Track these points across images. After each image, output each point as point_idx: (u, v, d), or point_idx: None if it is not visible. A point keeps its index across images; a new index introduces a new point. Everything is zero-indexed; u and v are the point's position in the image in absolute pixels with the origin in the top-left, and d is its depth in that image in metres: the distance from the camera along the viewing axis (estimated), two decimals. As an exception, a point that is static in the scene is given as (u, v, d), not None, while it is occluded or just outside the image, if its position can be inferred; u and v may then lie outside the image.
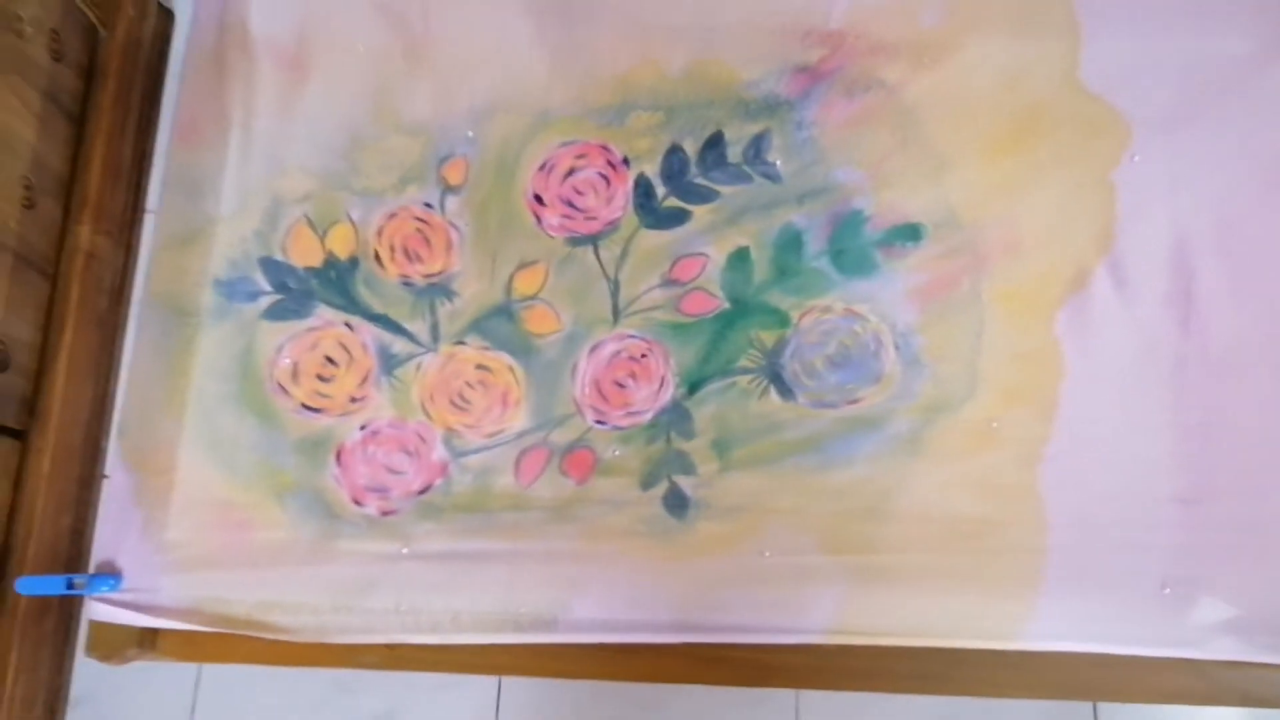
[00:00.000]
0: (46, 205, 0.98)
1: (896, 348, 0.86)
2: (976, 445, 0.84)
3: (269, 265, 0.86)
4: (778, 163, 0.90)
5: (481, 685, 0.91)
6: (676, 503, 0.82)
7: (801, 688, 0.77)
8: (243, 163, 0.87)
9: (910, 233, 0.88)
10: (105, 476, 0.99)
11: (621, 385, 0.85)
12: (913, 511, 0.82)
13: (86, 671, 0.93)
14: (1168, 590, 0.79)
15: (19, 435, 0.93)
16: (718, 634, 0.78)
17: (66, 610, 0.96)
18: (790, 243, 0.88)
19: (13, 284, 0.92)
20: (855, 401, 0.85)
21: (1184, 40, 0.91)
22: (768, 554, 0.80)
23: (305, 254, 0.86)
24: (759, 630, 0.78)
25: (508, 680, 0.91)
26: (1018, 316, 0.87)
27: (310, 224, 0.87)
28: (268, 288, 0.85)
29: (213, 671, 0.92)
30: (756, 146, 0.90)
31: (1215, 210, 0.88)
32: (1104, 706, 0.96)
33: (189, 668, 0.93)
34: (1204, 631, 0.79)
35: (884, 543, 0.81)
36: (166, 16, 1.12)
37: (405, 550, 0.79)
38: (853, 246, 0.88)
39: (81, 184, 1.02)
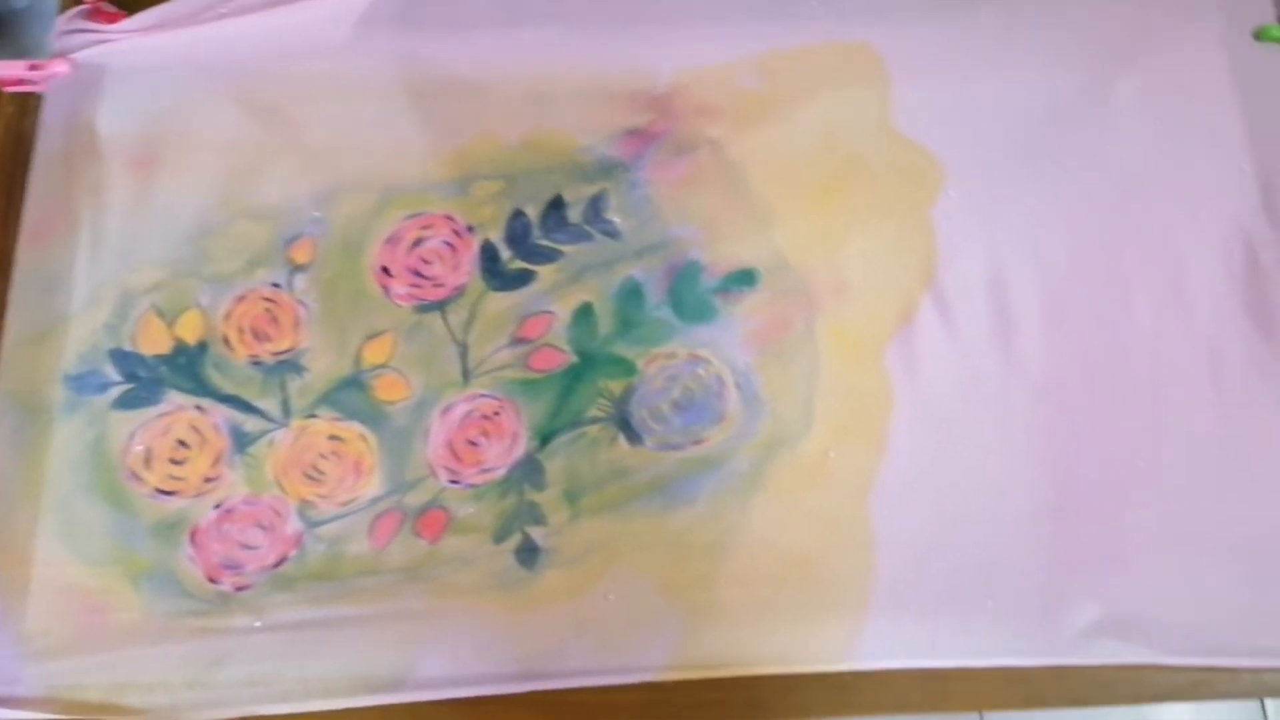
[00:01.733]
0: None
1: (738, 387, 0.90)
2: (812, 478, 0.88)
3: (118, 356, 0.89)
4: (617, 220, 0.94)
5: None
6: (527, 553, 0.85)
7: (640, 725, 0.80)
8: (93, 260, 0.90)
9: (745, 278, 0.93)
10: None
11: (474, 444, 0.89)
12: (751, 546, 0.86)
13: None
14: (990, 602, 0.83)
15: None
16: (561, 679, 0.81)
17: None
18: (631, 295, 0.93)
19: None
20: (700, 442, 0.89)
21: (988, 84, 0.97)
22: (611, 597, 0.83)
23: (154, 343, 0.89)
24: (600, 673, 0.81)
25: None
26: (850, 353, 0.91)
27: (159, 313, 0.90)
28: (118, 378, 0.88)
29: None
30: (595, 207, 0.95)
31: (1027, 243, 0.93)
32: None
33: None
34: (1027, 640, 0.83)
35: (722, 579, 0.84)
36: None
37: (258, 623, 0.82)
38: (691, 295, 0.93)
39: (-38, 277, 1.05)
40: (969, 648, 0.82)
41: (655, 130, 0.96)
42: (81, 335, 0.88)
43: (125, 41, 0.94)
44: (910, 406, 0.90)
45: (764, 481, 0.88)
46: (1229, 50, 0.99)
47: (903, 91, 0.96)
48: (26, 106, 1.12)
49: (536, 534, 0.86)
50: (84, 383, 0.88)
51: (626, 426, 0.90)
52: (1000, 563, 0.85)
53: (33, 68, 0.93)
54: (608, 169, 0.95)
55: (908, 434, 0.89)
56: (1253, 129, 0.97)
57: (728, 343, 0.91)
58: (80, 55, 0.94)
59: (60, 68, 0.93)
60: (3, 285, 1.04)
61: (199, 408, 0.88)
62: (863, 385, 0.91)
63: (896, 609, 0.83)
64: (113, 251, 0.90)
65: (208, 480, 0.86)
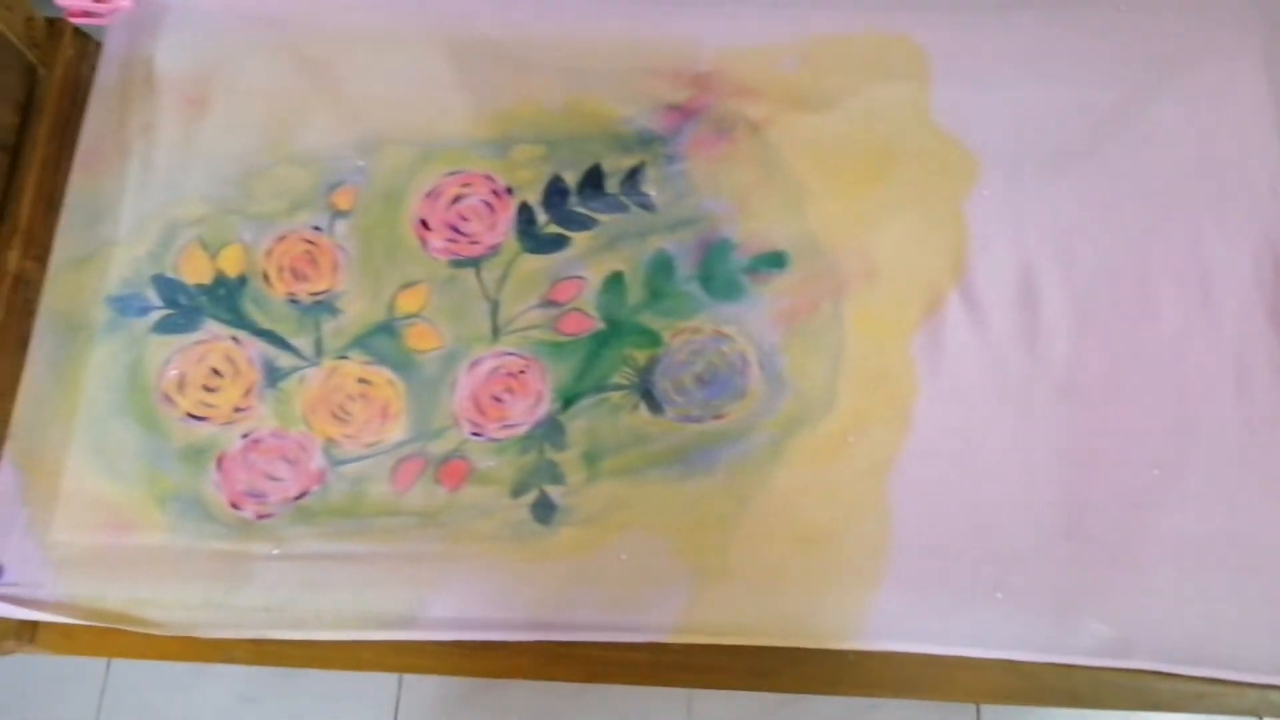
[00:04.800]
0: (-22, 232, 1.04)
1: (761, 366, 0.91)
2: (831, 457, 0.89)
3: (160, 282, 0.91)
4: (652, 193, 0.96)
5: (380, 697, 0.95)
6: (544, 510, 0.87)
7: (643, 684, 0.81)
8: (141, 190, 0.93)
9: (776, 260, 0.94)
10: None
11: (499, 399, 0.90)
12: (766, 519, 0.86)
13: (-5, 678, 0.98)
14: (999, 595, 0.84)
15: (-65, 445, 0.98)
16: (567, 632, 0.82)
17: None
18: (662, 267, 0.94)
19: (-59, 303, 0.97)
20: (720, 417, 0.90)
21: (1027, 85, 0.98)
22: (624, 556, 0.84)
23: (196, 272, 0.91)
24: (606, 629, 0.82)
25: (406, 692, 0.95)
26: (876, 339, 0.92)
27: (202, 245, 0.92)
28: (158, 303, 0.90)
29: (117, 681, 0.96)
30: (632, 178, 0.96)
31: (1057, 245, 0.94)
32: (986, 707, 0.99)
33: (96, 677, 0.97)
34: (1034, 635, 0.83)
35: (735, 547, 0.85)
36: (104, 55, 1.18)
37: (276, 551, 0.84)
38: (721, 272, 0.94)
39: (13, 213, 1.08)
40: (975, 637, 0.83)
41: (695, 106, 0.98)
42: (125, 261, 0.91)
43: (188, -18, 0.97)
44: (934, 394, 0.90)
45: (783, 457, 0.89)
46: (1268, 63, 1.00)
47: (943, 86, 0.98)
48: (85, 50, 1.16)
49: (554, 492, 0.87)
50: (126, 305, 0.90)
51: (649, 396, 0.91)
52: (1013, 556, 0.86)
53: (99, 0, 0.95)
54: (647, 142, 0.97)
55: (930, 421, 0.90)
56: (1288, 144, 0.98)
57: (754, 321, 0.93)
58: (145, -7, 0.97)
59: (124, 2, 0.96)
60: (54, 220, 1.08)
61: (235, 339, 0.90)
62: (888, 370, 0.91)
63: (907, 592, 0.84)
64: (160, 184, 0.93)
65: (238, 410, 0.88)
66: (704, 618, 0.83)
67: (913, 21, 0.99)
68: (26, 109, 1.12)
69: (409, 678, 0.95)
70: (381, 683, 0.96)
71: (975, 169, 0.96)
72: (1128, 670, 0.82)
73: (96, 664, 0.98)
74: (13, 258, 1.06)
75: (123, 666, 0.98)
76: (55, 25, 1.14)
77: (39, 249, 1.09)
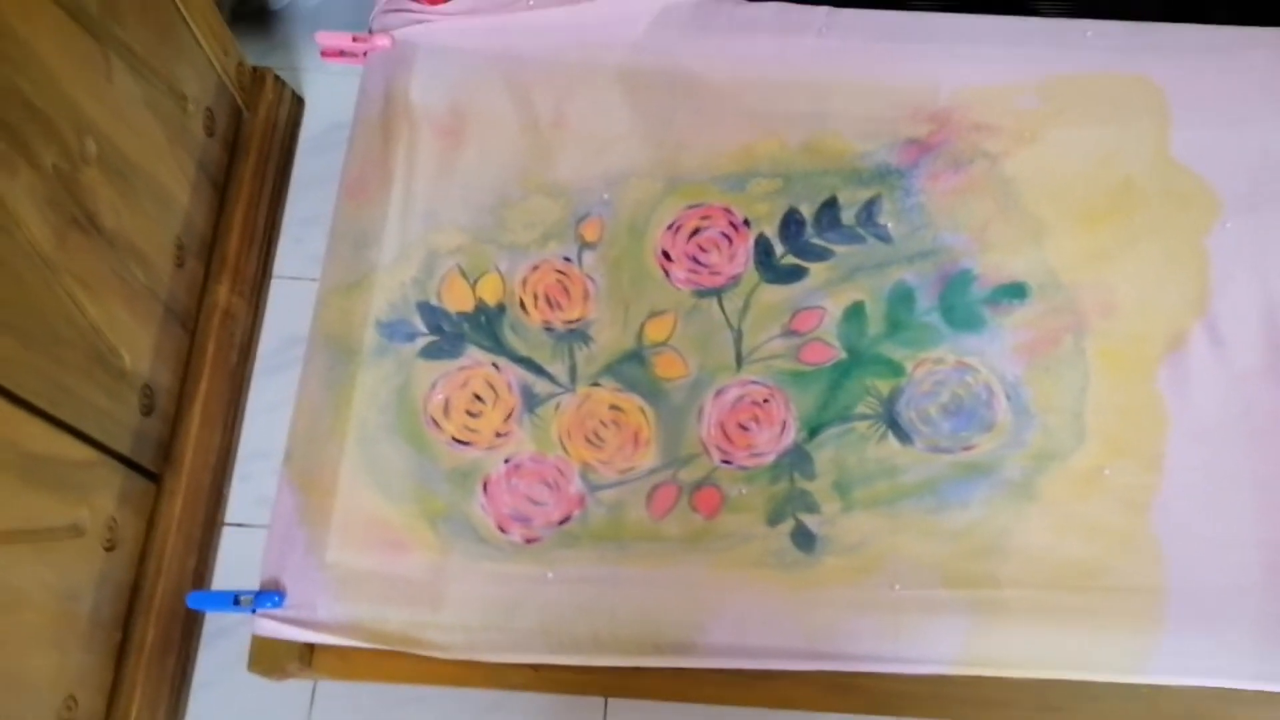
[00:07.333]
0: (192, 265, 1.07)
1: (1008, 398, 0.91)
2: (1087, 491, 0.87)
3: (425, 310, 0.92)
4: (889, 225, 0.96)
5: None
6: (803, 538, 0.86)
7: (931, 717, 0.78)
8: (403, 218, 0.95)
9: (1016, 291, 0.94)
10: (227, 524, 1.04)
11: (745, 428, 0.90)
12: (1028, 552, 0.85)
13: (198, 712, 0.96)
14: (1290, 631, 0.81)
15: (153, 478, 0.99)
16: (850, 663, 0.80)
17: (186, 651, 1.00)
18: (903, 298, 0.94)
19: (161, 334, 1.00)
20: (970, 448, 0.89)
21: (1266, 124, 0.99)
22: (897, 587, 0.83)
23: (458, 300, 0.93)
24: (891, 660, 0.80)
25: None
26: (1120, 372, 0.91)
27: (462, 273, 0.94)
28: (424, 329, 0.92)
29: (321, 711, 0.95)
30: (869, 210, 0.97)
31: None
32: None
33: (298, 714, 0.96)
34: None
35: (1005, 579, 0.84)
36: (299, 103, 1.23)
37: (550, 575, 0.83)
38: (961, 303, 0.94)
39: (221, 247, 1.11)
40: (1270, 670, 0.80)
41: (933, 141, 0.99)
42: (391, 286, 0.92)
43: (443, 22, 1.00)
44: (1185, 428, 0.89)
45: (1036, 491, 0.87)
46: None
47: (1183, 123, 0.98)
48: (282, 96, 1.20)
49: (810, 521, 0.86)
50: (394, 330, 0.91)
51: (895, 426, 0.90)
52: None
53: (356, 40, 0.98)
54: (883, 175, 0.98)
55: (1184, 455, 0.88)
56: None
57: (996, 353, 0.92)
58: (399, 32, 1.00)
59: (383, 41, 0.99)
60: (255, 256, 1.11)
61: (495, 365, 0.91)
62: (1135, 404, 0.90)
63: (1195, 628, 0.81)
64: (421, 211, 0.95)
65: (499, 435, 0.89)
66: (987, 651, 0.81)
67: (1150, 62, 1.00)
68: (233, 148, 1.16)
69: (612, 716, 0.93)
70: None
71: (1216, 205, 0.96)
72: None
73: (302, 692, 0.97)
74: (221, 292, 1.10)
75: (327, 697, 0.97)
76: (258, 72, 1.19)
77: (243, 285, 1.12)
